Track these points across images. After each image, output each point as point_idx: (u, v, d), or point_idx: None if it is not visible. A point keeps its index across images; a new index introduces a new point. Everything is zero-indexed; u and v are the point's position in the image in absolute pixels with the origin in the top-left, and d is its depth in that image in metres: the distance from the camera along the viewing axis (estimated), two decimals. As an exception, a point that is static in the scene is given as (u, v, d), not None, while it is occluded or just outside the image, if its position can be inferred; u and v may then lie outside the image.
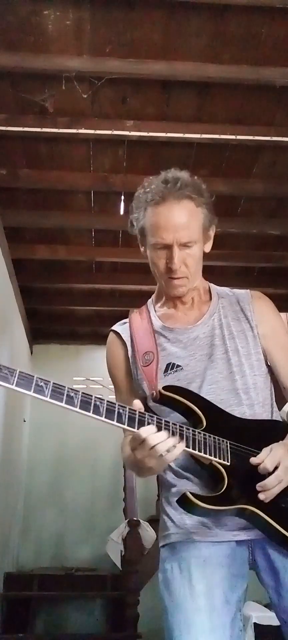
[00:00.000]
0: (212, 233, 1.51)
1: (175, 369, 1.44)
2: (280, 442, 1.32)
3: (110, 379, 1.58)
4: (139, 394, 1.45)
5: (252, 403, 1.42)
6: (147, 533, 4.08)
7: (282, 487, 1.26)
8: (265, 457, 1.26)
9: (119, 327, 1.57)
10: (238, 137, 3.22)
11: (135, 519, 4.15)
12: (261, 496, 1.24)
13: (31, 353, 6.43)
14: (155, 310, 1.57)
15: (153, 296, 1.61)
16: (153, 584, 4.50)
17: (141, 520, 4.18)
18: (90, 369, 6.27)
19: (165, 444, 1.18)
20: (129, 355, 1.51)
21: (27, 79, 2.90)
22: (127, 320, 1.58)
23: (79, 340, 6.49)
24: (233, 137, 3.22)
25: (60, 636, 4.72)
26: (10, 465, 5.11)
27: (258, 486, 1.25)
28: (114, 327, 1.58)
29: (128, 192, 3.83)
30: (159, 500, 1.51)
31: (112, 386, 1.59)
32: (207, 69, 2.79)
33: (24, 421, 6.02)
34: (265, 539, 1.33)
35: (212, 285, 1.60)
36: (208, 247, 1.51)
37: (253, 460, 1.27)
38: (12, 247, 4.29)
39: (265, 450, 1.28)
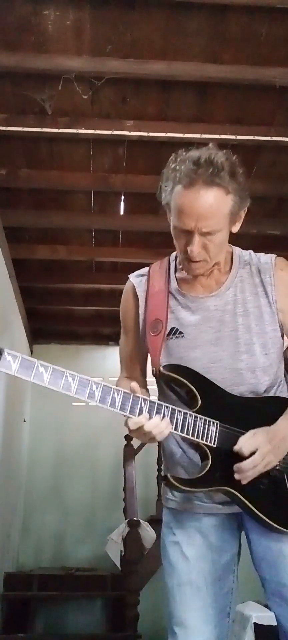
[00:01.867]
0: (242, 214, 1.46)
1: (177, 335, 1.47)
2: (267, 427, 1.36)
3: (121, 323, 1.63)
4: (142, 351, 1.54)
5: (256, 382, 1.43)
6: (147, 533, 4.08)
7: (258, 471, 1.31)
8: (244, 443, 1.32)
9: (136, 278, 1.58)
10: (238, 137, 3.22)
11: (135, 519, 4.15)
12: (236, 476, 1.31)
13: (31, 353, 6.42)
14: (175, 269, 1.56)
15: (176, 253, 1.56)
16: (153, 584, 4.50)
17: (141, 520, 4.17)
18: (90, 369, 6.27)
19: (156, 429, 1.28)
20: (140, 312, 1.54)
21: (27, 79, 2.90)
22: (146, 272, 1.58)
23: (79, 340, 6.49)
24: (233, 137, 3.22)
25: (60, 636, 4.72)
26: (10, 465, 5.10)
27: (235, 467, 1.31)
28: (132, 277, 1.60)
29: (128, 192, 3.84)
30: (161, 468, 1.60)
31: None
32: (207, 69, 2.79)
33: (24, 421, 6.01)
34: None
35: (236, 252, 1.55)
36: (236, 228, 1.46)
37: (235, 447, 1.33)
38: (12, 247, 4.29)
39: (247, 434, 1.33)
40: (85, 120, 3.15)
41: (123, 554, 4.16)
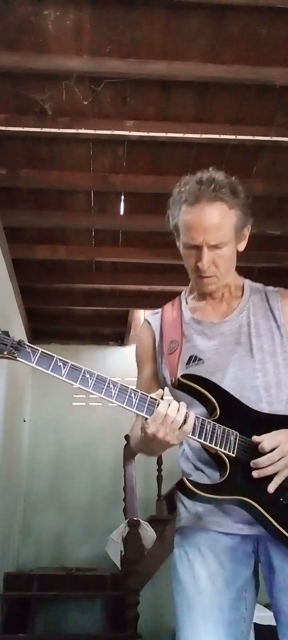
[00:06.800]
0: (246, 232, 1.54)
1: (196, 362, 1.50)
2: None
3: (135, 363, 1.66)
4: (161, 383, 1.54)
5: (272, 401, 1.44)
6: (147, 533, 4.08)
7: (276, 469, 1.29)
8: (266, 438, 1.31)
9: (151, 317, 1.66)
10: (238, 137, 3.22)
11: (135, 519, 4.15)
12: (254, 474, 1.29)
13: (31, 353, 6.42)
14: (186, 302, 1.63)
15: (187, 288, 1.67)
16: (153, 584, 4.50)
17: (141, 520, 4.17)
18: (90, 368, 6.28)
19: (179, 415, 1.25)
20: (156, 345, 1.58)
21: (27, 79, 2.89)
22: (159, 310, 1.66)
23: (79, 340, 6.49)
24: (233, 137, 3.22)
25: (60, 636, 4.72)
26: (10, 465, 5.10)
27: (252, 462, 1.30)
28: (147, 317, 1.67)
29: (128, 192, 3.84)
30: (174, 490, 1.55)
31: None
32: (207, 69, 2.79)
33: (24, 421, 6.02)
34: (267, 536, 1.35)
35: (247, 282, 1.64)
36: (242, 246, 1.55)
37: (255, 438, 1.32)
38: (12, 247, 4.29)
39: (270, 433, 1.32)
40: (85, 120, 3.15)
41: (123, 554, 4.16)
